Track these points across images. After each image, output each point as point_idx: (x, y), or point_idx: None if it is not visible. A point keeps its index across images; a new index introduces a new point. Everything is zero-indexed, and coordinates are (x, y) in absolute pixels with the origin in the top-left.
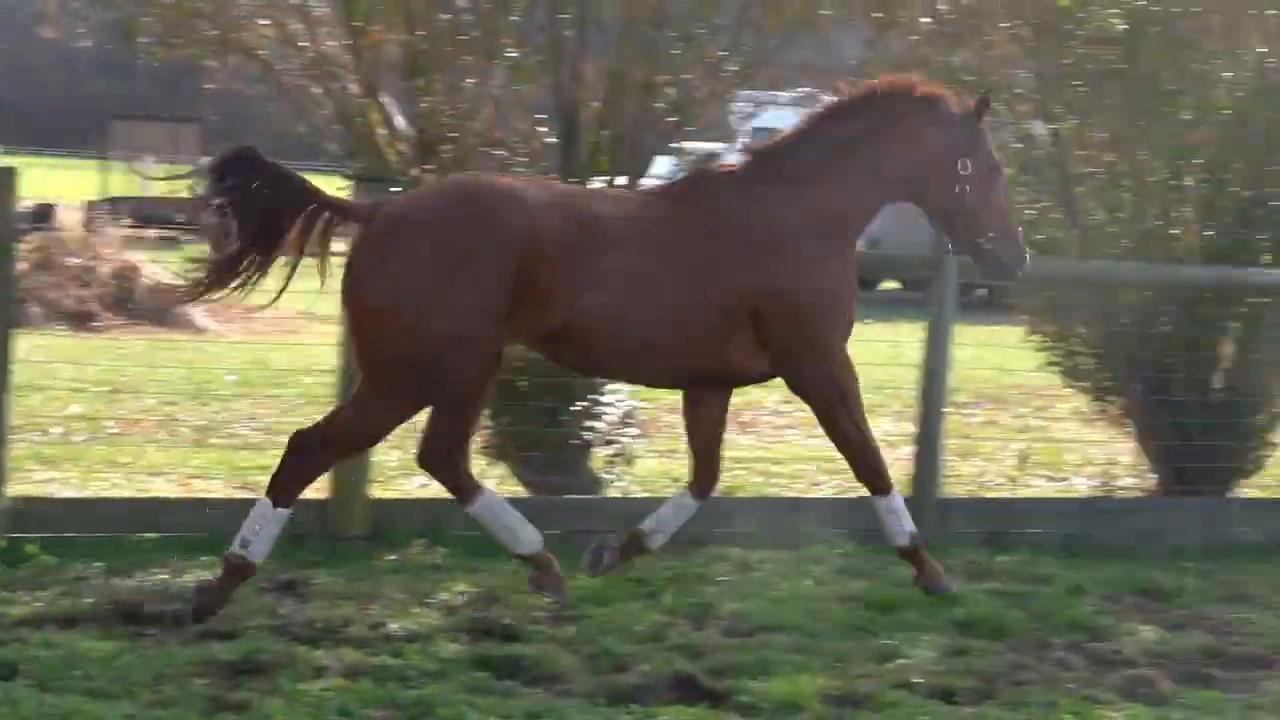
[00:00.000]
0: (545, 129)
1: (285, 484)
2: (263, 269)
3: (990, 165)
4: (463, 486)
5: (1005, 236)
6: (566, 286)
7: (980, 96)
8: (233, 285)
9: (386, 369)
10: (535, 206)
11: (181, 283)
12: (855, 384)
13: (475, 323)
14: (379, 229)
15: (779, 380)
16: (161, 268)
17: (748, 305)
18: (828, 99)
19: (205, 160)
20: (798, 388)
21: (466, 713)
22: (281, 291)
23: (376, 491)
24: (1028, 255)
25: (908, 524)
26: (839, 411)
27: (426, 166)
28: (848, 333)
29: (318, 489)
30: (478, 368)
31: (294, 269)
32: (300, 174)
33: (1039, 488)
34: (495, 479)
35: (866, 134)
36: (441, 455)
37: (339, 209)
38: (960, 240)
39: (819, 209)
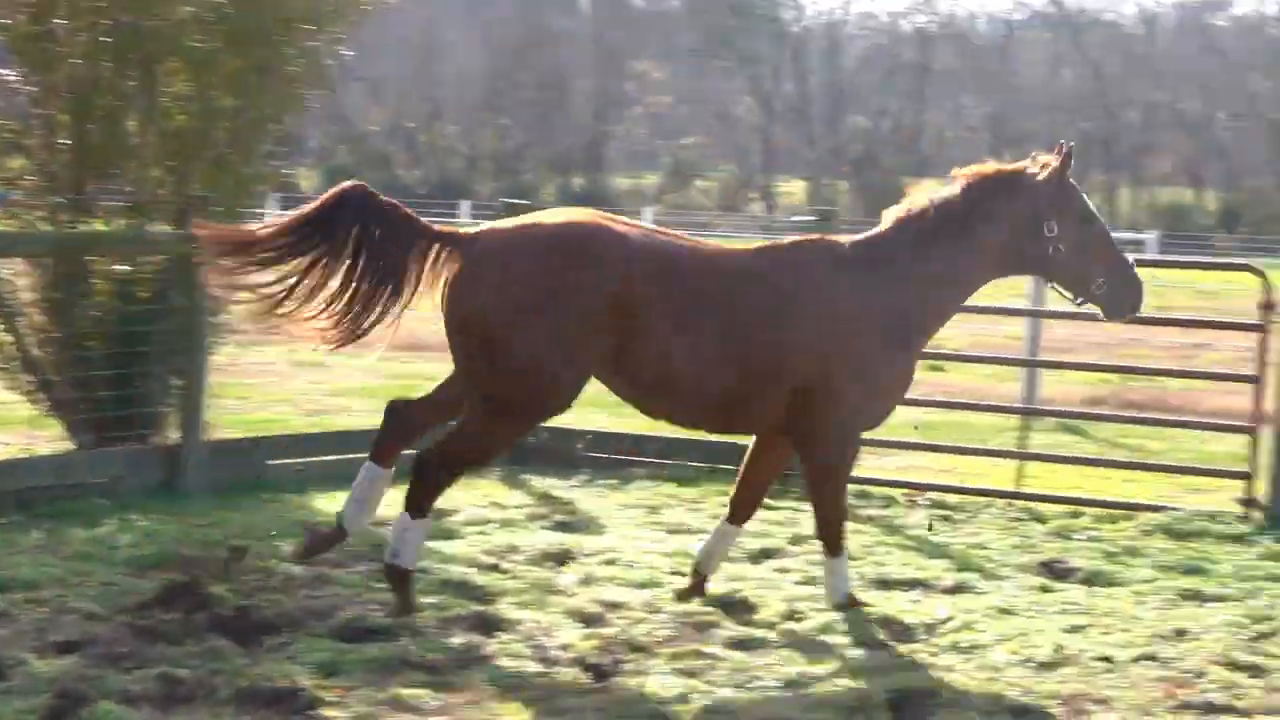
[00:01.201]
0: None
1: (417, 500)
2: (393, 307)
3: (1080, 217)
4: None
5: (1115, 279)
6: (649, 338)
7: (1064, 153)
8: (369, 322)
9: (489, 389)
10: (632, 253)
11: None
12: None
13: (565, 352)
14: (481, 254)
15: None
16: None
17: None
18: (913, 201)
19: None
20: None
21: None
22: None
23: None
24: (1138, 294)
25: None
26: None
27: None
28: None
29: None
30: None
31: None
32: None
33: None
34: None
35: (960, 229)
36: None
37: (449, 239)
38: (1073, 292)
39: (895, 303)
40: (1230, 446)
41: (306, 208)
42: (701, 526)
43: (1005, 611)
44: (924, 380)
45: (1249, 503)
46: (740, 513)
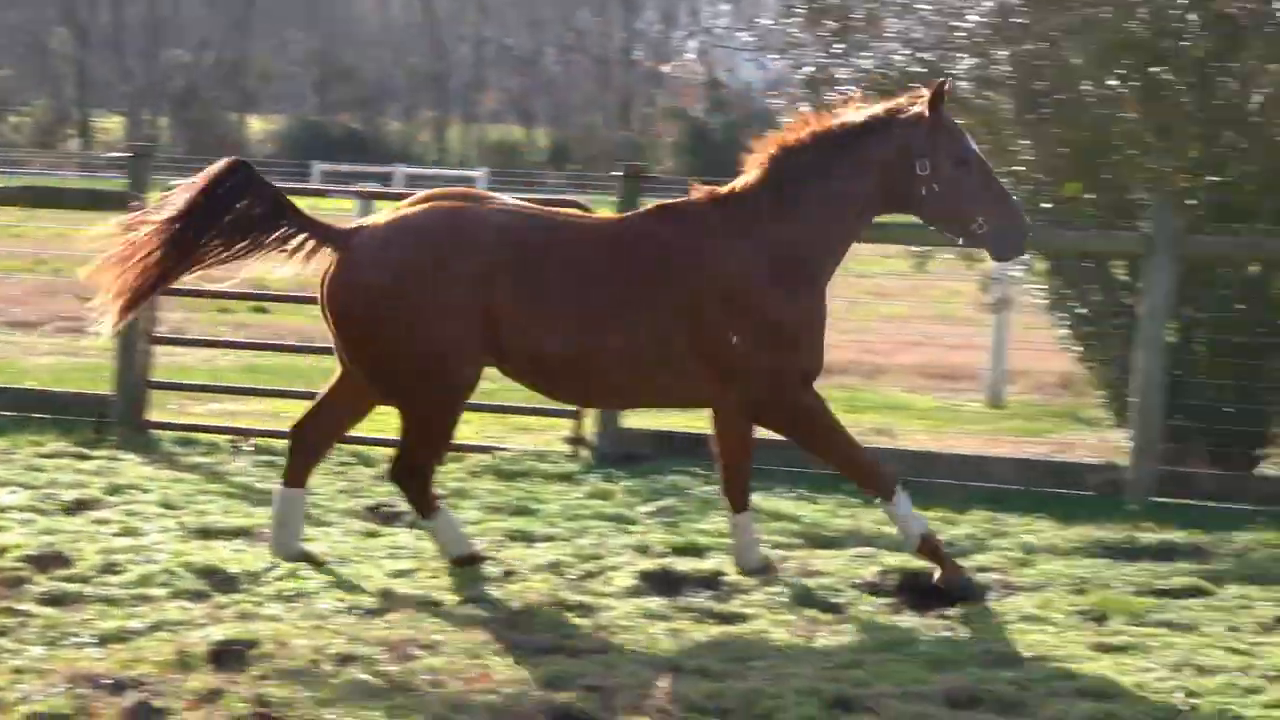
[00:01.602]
0: None
1: (418, 508)
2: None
3: (954, 156)
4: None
5: (995, 219)
6: (519, 316)
7: (936, 90)
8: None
9: (386, 382)
10: (500, 235)
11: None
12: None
13: (445, 344)
14: (355, 247)
15: None
16: None
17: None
18: (780, 136)
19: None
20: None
21: None
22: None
23: None
24: (1028, 231)
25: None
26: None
27: None
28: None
29: None
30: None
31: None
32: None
33: None
34: None
35: (818, 168)
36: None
37: (321, 233)
38: (953, 233)
39: (775, 247)
40: None
41: (192, 185)
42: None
43: (333, 558)
44: (250, 322)
45: (577, 441)
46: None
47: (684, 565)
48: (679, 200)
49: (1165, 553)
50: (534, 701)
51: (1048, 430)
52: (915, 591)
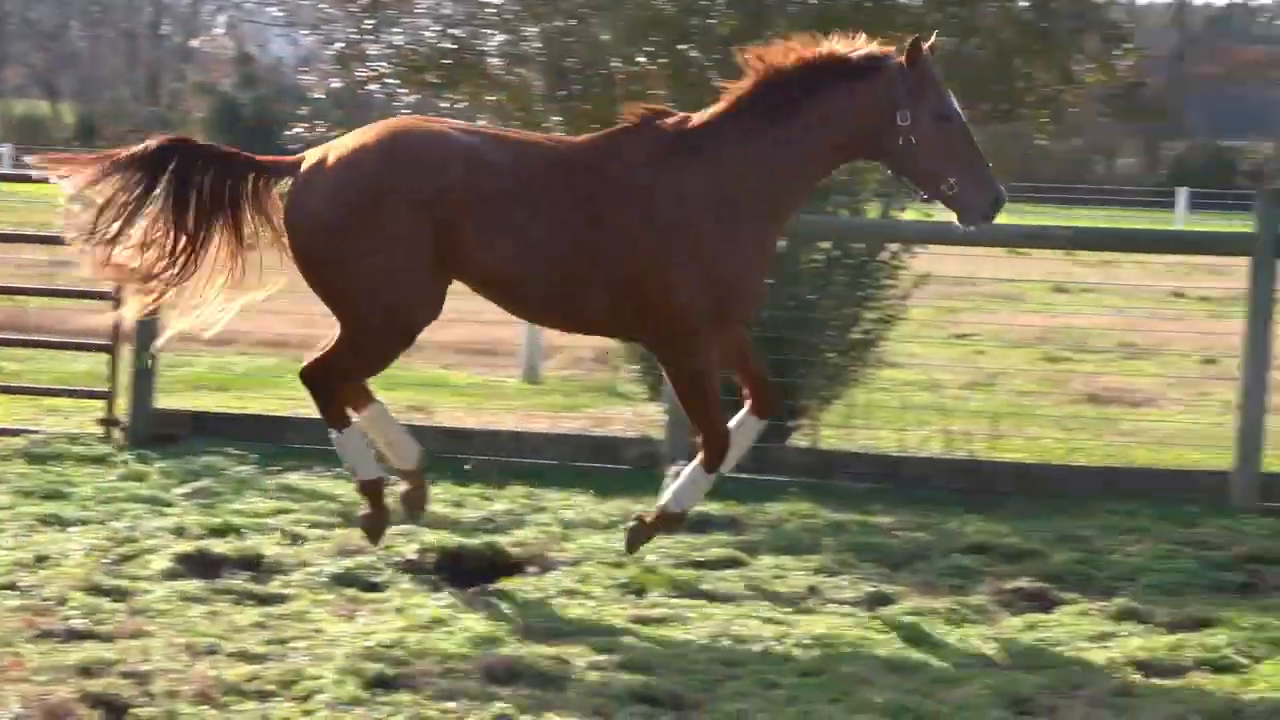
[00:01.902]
0: None
1: (326, 417)
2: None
3: (936, 112)
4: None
5: (968, 181)
6: (475, 237)
7: (912, 43)
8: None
9: (338, 304)
10: (454, 153)
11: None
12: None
13: (398, 262)
14: (306, 172)
15: None
16: None
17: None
18: (752, 69)
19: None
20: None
21: None
22: None
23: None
24: (1000, 198)
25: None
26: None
27: None
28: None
29: None
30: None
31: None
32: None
33: None
34: None
35: (789, 106)
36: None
37: (273, 168)
38: (923, 190)
39: (729, 185)
40: (91, 365)
41: (128, 150)
42: None
43: None
44: None
45: (110, 422)
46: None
47: (221, 547)
48: (644, 122)
49: (700, 525)
50: (69, 689)
51: (585, 405)
52: (455, 569)
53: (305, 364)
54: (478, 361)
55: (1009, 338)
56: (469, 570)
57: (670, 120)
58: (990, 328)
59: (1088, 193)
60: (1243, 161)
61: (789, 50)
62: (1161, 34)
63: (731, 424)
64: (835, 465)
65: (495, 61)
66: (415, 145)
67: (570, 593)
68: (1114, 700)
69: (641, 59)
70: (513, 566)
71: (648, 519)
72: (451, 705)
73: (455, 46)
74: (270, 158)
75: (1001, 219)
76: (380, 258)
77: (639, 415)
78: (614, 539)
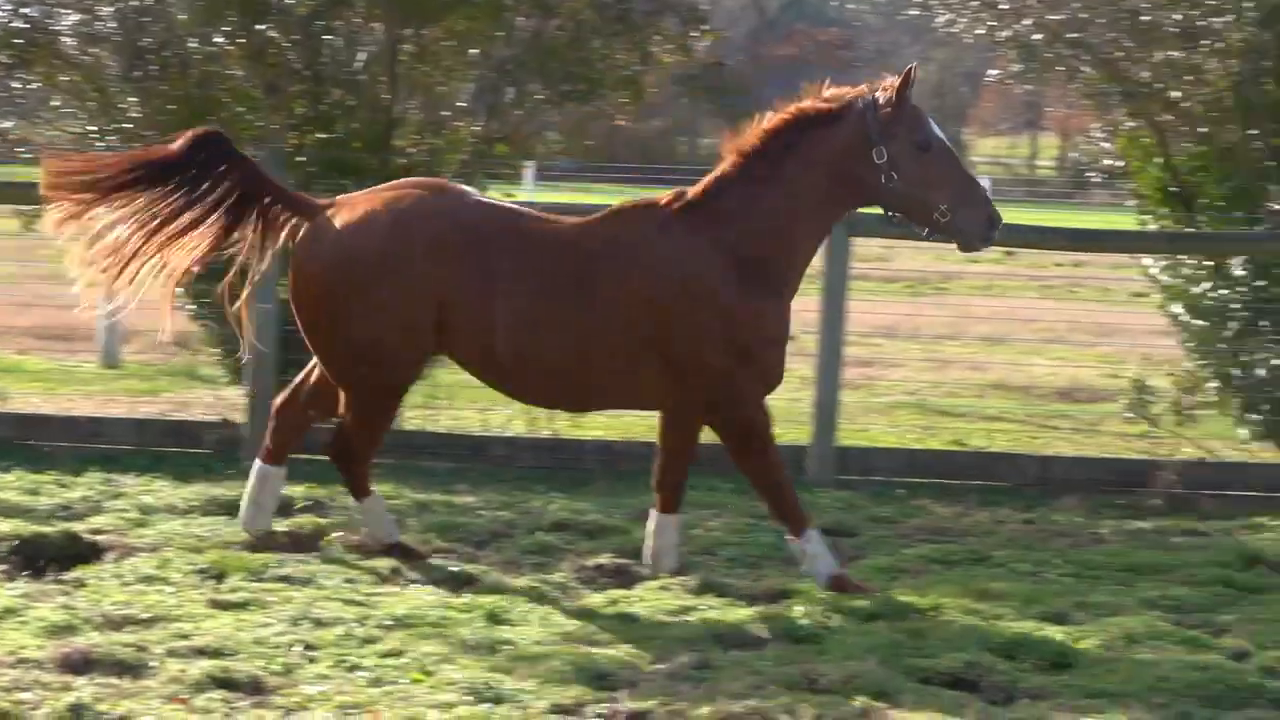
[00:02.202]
0: None
1: (353, 490)
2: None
3: (915, 142)
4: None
5: (959, 206)
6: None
7: (903, 76)
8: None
9: (331, 366)
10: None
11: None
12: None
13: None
14: (322, 221)
15: None
16: None
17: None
18: (740, 139)
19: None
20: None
21: None
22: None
23: None
24: (994, 219)
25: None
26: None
27: None
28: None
29: None
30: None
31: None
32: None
33: None
34: None
35: (772, 167)
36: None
37: (292, 202)
38: (918, 224)
39: (737, 252)
40: None
41: (162, 147)
42: None
43: None
44: None
45: None
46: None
47: None
48: (641, 200)
49: (284, 508)
50: None
51: (164, 389)
52: (28, 556)
53: (330, 448)
54: (54, 346)
55: None
56: (44, 558)
57: (672, 195)
58: None
59: (670, 172)
60: None
61: (757, 125)
62: (740, 15)
63: (649, 530)
64: (419, 446)
65: (69, 41)
66: (417, 216)
67: (149, 579)
68: (693, 673)
69: (219, 39)
70: (90, 554)
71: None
72: (26, 697)
73: (27, 25)
74: (294, 192)
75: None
76: (373, 322)
77: (220, 399)
78: (193, 524)
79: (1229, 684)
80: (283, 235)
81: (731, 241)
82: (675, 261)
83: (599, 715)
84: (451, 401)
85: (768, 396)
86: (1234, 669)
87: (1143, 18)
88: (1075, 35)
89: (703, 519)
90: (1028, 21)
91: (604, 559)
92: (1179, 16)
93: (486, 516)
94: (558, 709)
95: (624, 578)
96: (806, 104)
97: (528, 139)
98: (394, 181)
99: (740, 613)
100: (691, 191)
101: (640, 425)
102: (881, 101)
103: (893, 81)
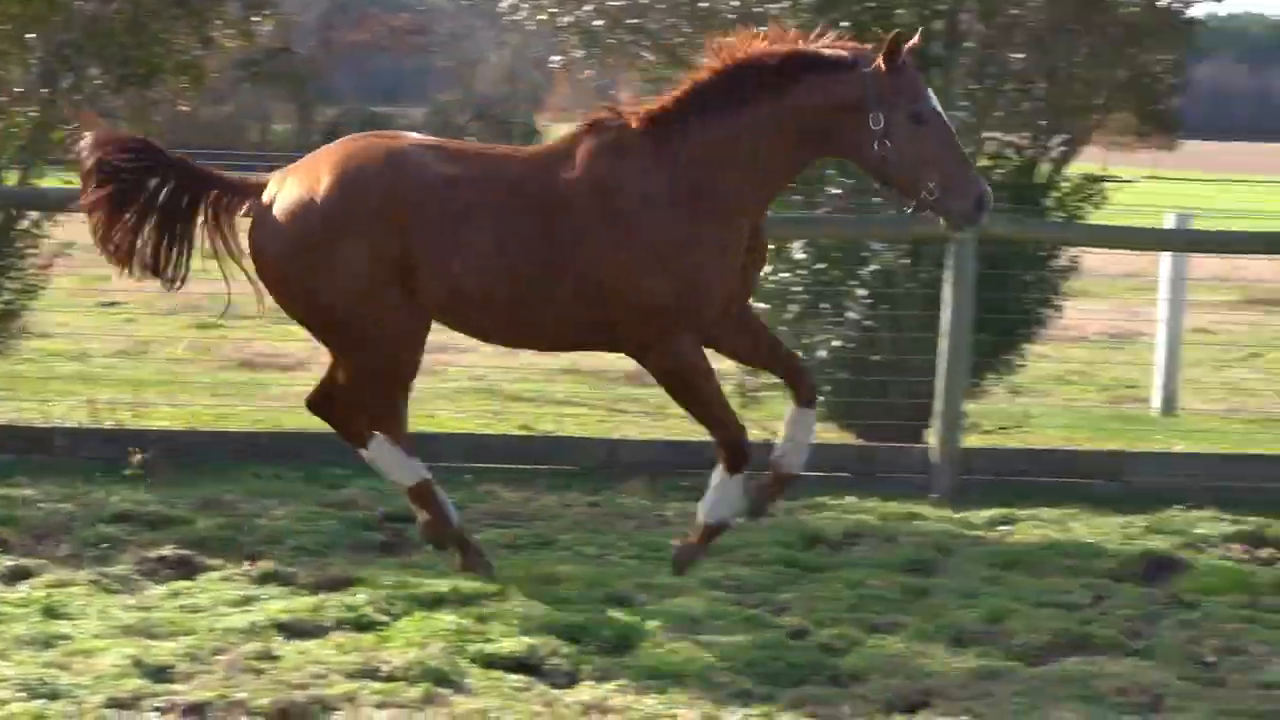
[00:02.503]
0: None
1: (350, 440)
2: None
3: (911, 114)
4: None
5: (948, 184)
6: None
7: (889, 42)
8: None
9: (322, 338)
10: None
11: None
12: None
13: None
14: (266, 200)
15: None
16: None
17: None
18: (711, 62)
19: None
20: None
21: None
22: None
23: None
24: (984, 200)
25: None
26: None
27: None
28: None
29: None
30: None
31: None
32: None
33: None
34: None
35: (752, 96)
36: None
37: (234, 188)
38: (904, 197)
39: (690, 181)
40: None
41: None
42: None
43: None
44: None
45: None
46: (800, 393)
47: None
48: (601, 119)
49: None
50: None
51: None
52: None
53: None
54: None
55: (159, 306)
56: None
57: (626, 113)
58: (142, 296)
59: (242, 158)
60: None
61: (754, 40)
62: (312, 0)
63: (785, 421)
64: None
65: None
66: (362, 163)
67: None
68: (254, 663)
69: None
70: None
71: (692, 539)
72: None
73: None
74: (233, 177)
75: None
76: (343, 284)
77: None
78: None
79: (789, 661)
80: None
81: (681, 164)
82: (625, 191)
83: (156, 708)
84: (13, 392)
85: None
86: (793, 646)
87: (701, 4)
88: (635, 21)
89: (268, 508)
90: (589, 7)
91: (166, 550)
92: (737, 2)
93: (46, 509)
94: (114, 703)
95: (186, 569)
96: (812, 44)
97: (87, 124)
98: (330, 144)
99: (303, 601)
100: (654, 105)
101: (206, 415)
102: (877, 62)
103: (891, 47)
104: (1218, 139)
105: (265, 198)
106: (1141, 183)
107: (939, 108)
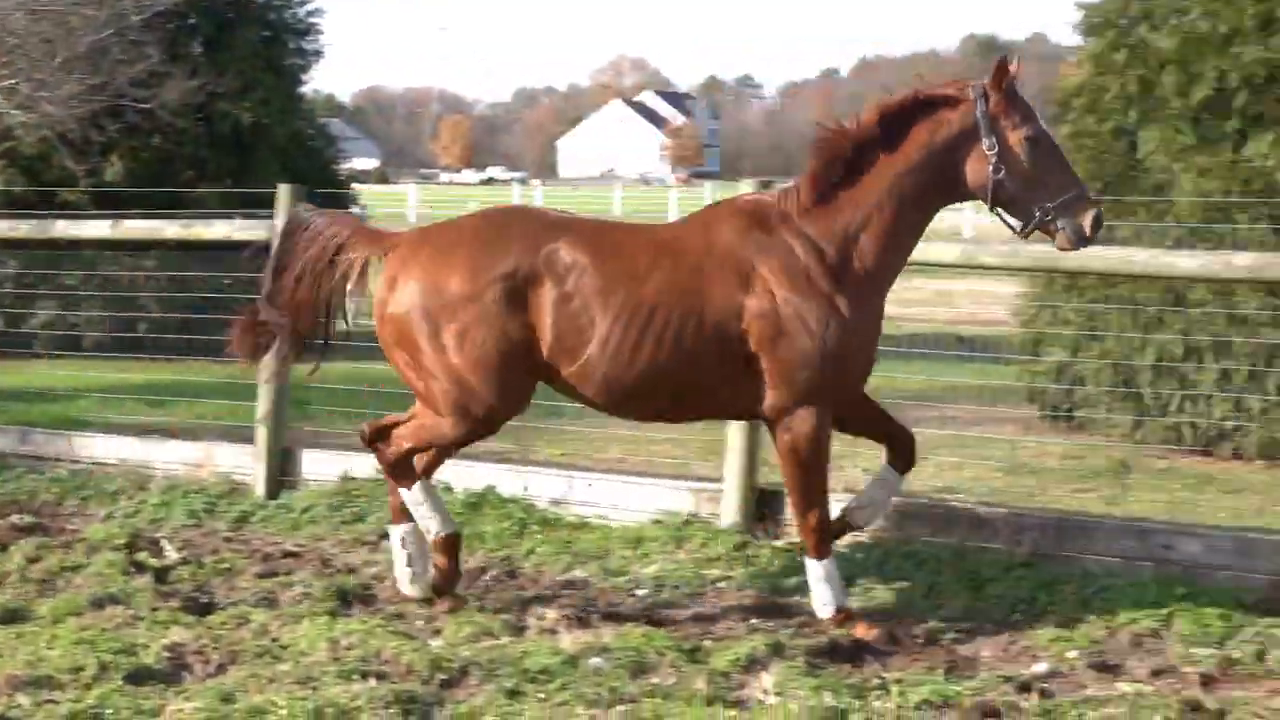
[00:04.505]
0: None
1: (398, 481)
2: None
3: (1023, 136)
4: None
5: (1063, 203)
6: (559, 333)
7: (996, 67)
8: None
9: (427, 396)
10: (539, 249)
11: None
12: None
13: (485, 349)
14: (402, 254)
15: None
16: None
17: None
18: (834, 129)
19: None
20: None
21: None
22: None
23: None
24: (1094, 218)
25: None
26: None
27: None
28: (848, 378)
29: None
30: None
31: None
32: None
33: None
34: None
35: (871, 158)
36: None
37: (375, 240)
38: (1019, 219)
39: (836, 248)
40: None
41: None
42: None
43: None
44: None
45: None
46: (899, 460)
47: None
48: (735, 198)
49: None
50: None
51: None
52: None
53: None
54: None
55: None
56: None
57: (765, 196)
58: None
59: None
60: None
61: (868, 110)
62: None
63: (874, 477)
64: None
65: None
66: (501, 231)
67: None
68: None
69: None
70: None
71: (852, 632)
72: None
73: None
74: (378, 232)
75: None
76: (466, 350)
77: None
78: None
79: None
80: (358, 271)
81: (819, 238)
82: (762, 261)
83: None
84: None
85: None
86: None
87: None
88: None
89: None
90: None
91: None
92: None
93: None
94: None
95: None
96: (907, 94)
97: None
98: (469, 214)
99: None
100: (788, 187)
101: None
102: (981, 92)
103: (998, 71)
104: None
105: (400, 253)
106: None
107: (1047, 128)
